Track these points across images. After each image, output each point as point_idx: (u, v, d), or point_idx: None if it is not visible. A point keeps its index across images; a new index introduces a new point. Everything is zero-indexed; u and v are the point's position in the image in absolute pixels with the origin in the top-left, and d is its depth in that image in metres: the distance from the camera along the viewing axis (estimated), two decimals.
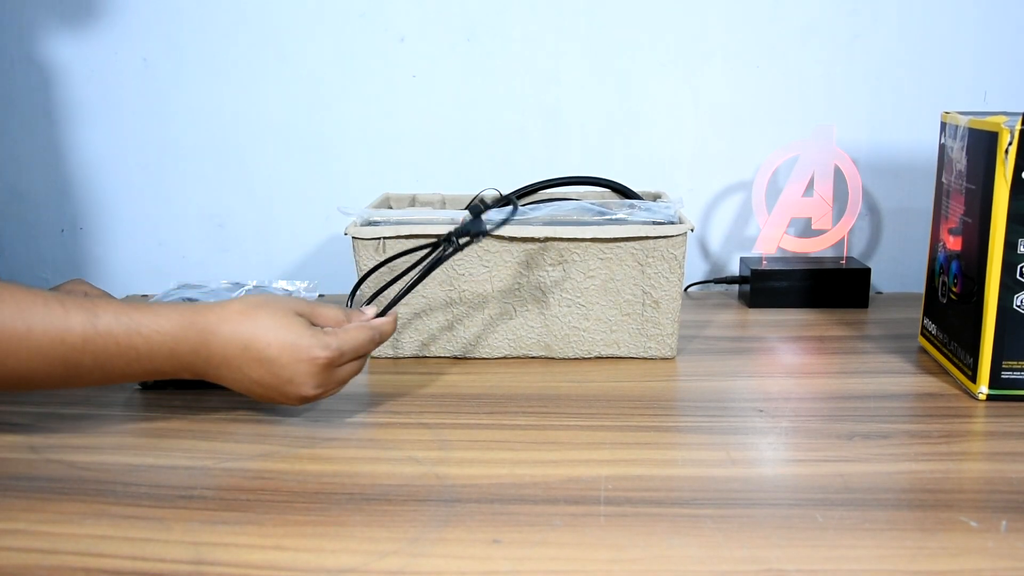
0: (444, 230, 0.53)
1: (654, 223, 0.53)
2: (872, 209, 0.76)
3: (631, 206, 0.56)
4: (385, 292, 0.51)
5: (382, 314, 0.45)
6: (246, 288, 0.58)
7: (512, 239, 0.53)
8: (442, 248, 0.47)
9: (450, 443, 0.43)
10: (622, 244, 0.52)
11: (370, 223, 0.56)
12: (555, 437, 0.44)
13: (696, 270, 0.79)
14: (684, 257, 0.52)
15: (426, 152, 0.76)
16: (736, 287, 0.77)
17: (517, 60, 0.74)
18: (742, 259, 0.74)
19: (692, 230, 0.52)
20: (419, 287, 0.53)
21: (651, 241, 0.52)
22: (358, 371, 0.43)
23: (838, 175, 0.71)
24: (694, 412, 0.47)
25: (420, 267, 0.47)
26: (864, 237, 0.78)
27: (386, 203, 0.68)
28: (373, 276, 0.53)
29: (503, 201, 0.48)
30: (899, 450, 0.42)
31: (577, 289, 0.54)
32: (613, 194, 0.67)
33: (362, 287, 0.52)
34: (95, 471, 0.41)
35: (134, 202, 0.76)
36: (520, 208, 0.55)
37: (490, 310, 0.55)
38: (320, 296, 0.66)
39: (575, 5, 0.74)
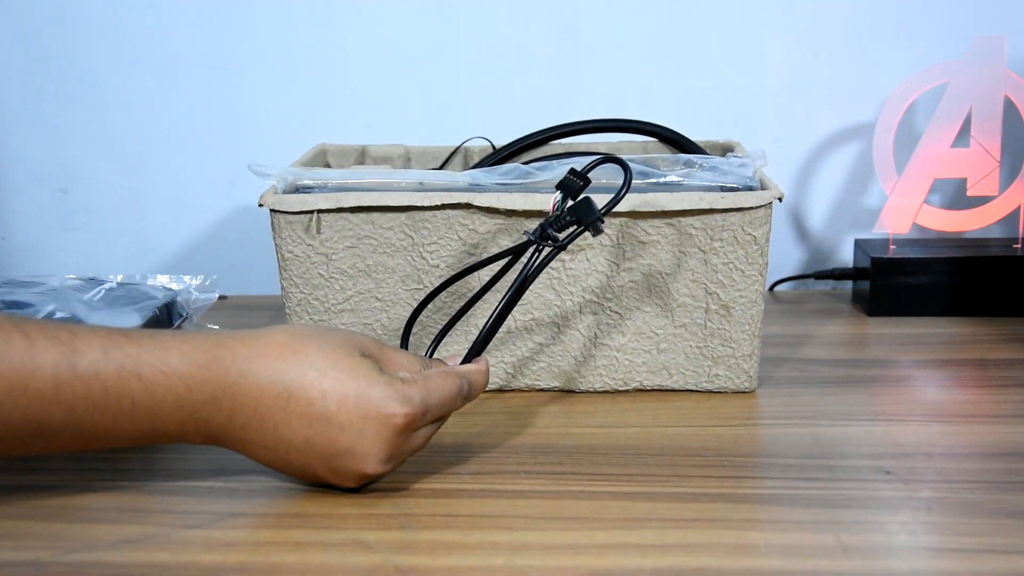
0: (414, 200, 0.53)
1: (722, 189, 0.54)
2: None
3: (687, 164, 0.56)
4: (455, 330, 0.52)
5: (466, 360, 0.46)
6: (108, 285, 0.58)
7: (507, 214, 0.53)
8: (534, 253, 0.47)
9: (417, 519, 0.43)
10: (674, 221, 0.53)
11: (298, 189, 0.56)
12: (574, 510, 0.44)
13: (787, 259, 0.79)
14: (768, 240, 0.53)
15: (382, 83, 0.77)
16: (849, 285, 0.77)
17: None
18: (858, 243, 0.74)
19: (781, 199, 0.53)
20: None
21: (718, 216, 0.52)
22: (431, 436, 0.44)
23: (1010, 113, 0.69)
24: (785, 474, 0.47)
25: (508, 288, 0.47)
26: None
27: (322, 159, 0.68)
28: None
29: (597, 164, 0.48)
30: None
31: (608, 289, 0.54)
32: (661, 145, 0.67)
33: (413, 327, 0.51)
34: None
35: None
36: (524, 168, 0.55)
37: (477, 321, 0.56)
38: (221, 298, 0.66)
39: None
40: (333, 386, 0.41)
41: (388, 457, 0.42)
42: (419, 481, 0.46)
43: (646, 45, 0.75)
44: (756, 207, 0.52)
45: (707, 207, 0.52)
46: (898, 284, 0.68)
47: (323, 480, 0.43)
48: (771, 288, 0.77)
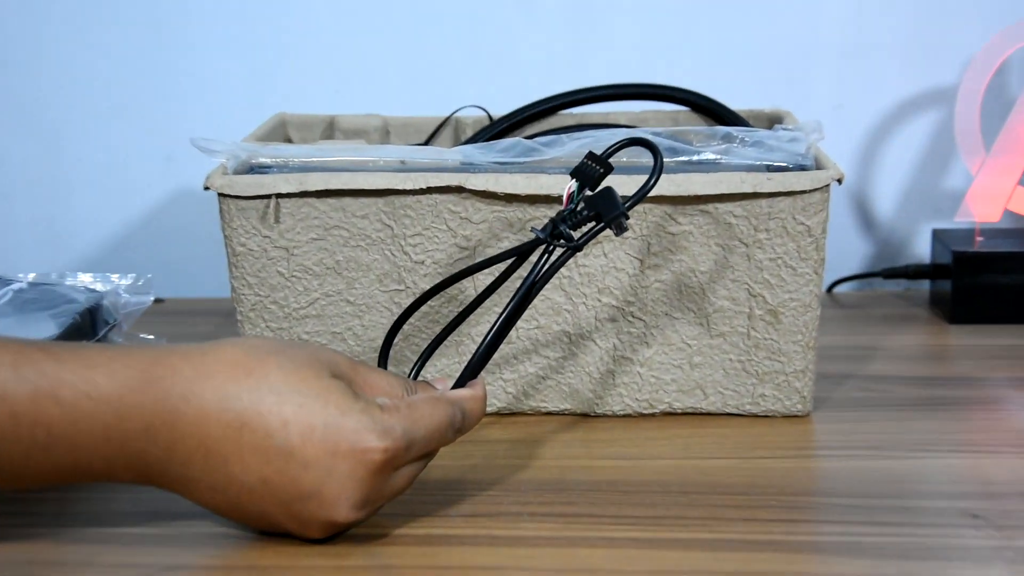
0: (394, 182, 0.54)
1: (768, 169, 0.54)
2: None
3: (726, 138, 0.56)
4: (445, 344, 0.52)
5: (459, 383, 0.47)
6: (16, 287, 0.58)
7: (507, 199, 0.54)
8: (543, 254, 0.47)
9: (398, 572, 0.44)
10: (710, 208, 0.53)
11: (253, 168, 0.56)
12: (589, 561, 0.44)
13: (849, 254, 0.80)
14: (825, 231, 0.53)
15: (354, 40, 0.77)
16: (925, 285, 0.77)
17: None
18: (936, 234, 0.75)
19: (840, 181, 0.53)
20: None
21: (764, 202, 0.53)
22: (415, 476, 0.44)
23: None
24: (847, 517, 0.47)
25: (511, 296, 0.47)
26: None
27: (282, 132, 0.68)
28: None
29: (619, 148, 0.48)
30: None
31: (628, 290, 0.55)
32: (695, 116, 0.67)
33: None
34: None
35: None
36: (528, 143, 0.55)
37: (472, 332, 0.56)
38: (157, 301, 0.66)
39: None
40: (296, 414, 0.40)
41: (363, 502, 0.42)
42: (400, 526, 0.46)
43: None
44: (810, 191, 0.52)
45: (750, 191, 0.52)
46: (986, 284, 0.69)
47: (282, 528, 0.43)
48: (829, 289, 0.77)
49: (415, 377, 0.49)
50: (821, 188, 0.52)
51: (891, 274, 0.75)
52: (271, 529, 0.44)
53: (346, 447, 0.40)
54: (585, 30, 0.76)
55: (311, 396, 0.41)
